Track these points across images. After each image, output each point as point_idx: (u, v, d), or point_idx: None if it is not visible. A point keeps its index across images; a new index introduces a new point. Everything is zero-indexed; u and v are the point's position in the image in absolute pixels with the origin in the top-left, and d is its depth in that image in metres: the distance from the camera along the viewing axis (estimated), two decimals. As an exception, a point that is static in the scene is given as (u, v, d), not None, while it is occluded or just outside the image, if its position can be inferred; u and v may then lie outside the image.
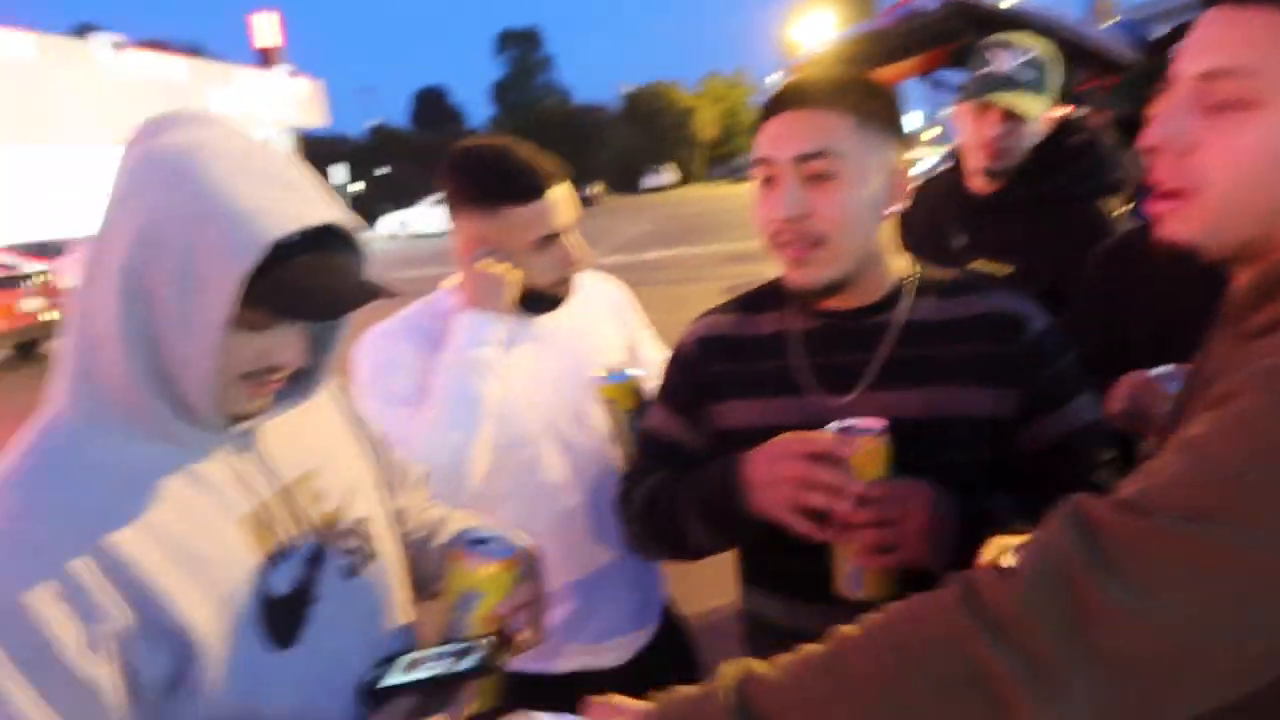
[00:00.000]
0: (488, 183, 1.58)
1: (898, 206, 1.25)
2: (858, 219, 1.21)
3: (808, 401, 1.27)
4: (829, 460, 1.10)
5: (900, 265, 1.31)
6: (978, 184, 2.18)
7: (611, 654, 1.74)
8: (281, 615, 0.98)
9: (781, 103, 1.23)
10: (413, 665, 1.05)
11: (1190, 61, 0.84)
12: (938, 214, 2.20)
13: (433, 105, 76.54)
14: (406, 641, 1.16)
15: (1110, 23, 3.27)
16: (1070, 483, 1.16)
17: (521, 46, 76.19)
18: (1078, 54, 2.79)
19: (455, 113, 77.83)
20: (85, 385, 0.93)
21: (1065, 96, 3.11)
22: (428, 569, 1.27)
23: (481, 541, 1.15)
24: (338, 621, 1.04)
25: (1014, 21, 2.62)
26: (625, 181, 60.87)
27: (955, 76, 3.40)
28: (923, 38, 2.53)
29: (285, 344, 0.96)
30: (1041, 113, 2.10)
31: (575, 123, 66.02)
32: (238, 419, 0.99)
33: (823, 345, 1.30)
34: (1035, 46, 2.09)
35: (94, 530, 0.87)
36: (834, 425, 1.13)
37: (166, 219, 0.88)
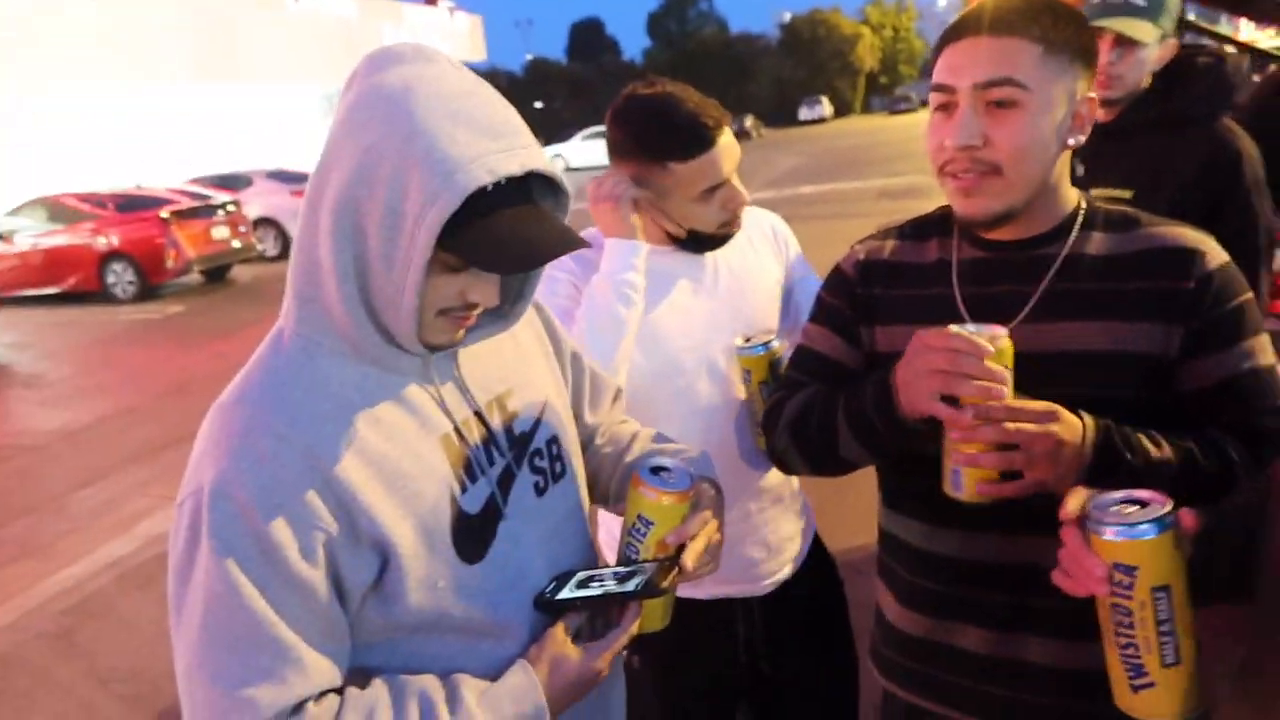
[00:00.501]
0: (651, 137, 1.59)
1: (1080, 137, 1.22)
2: (1037, 149, 1.18)
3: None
4: (969, 353, 1.07)
5: (1071, 196, 1.28)
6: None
7: (761, 582, 1.78)
8: (472, 533, 1.05)
9: (964, 28, 1.19)
10: (585, 582, 1.10)
11: None
12: None
13: (589, 37, 76.67)
14: (586, 558, 1.21)
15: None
16: (1233, 425, 1.20)
17: (677, -25, 75.01)
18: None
19: (611, 44, 77.76)
20: (306, 308, 1.01)
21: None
22: (616, 485, 1.32)
23: (661, 470, 1.18)
24: (524, 537, 1.10)
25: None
26: (781, 114, 59.48)
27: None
28: None
29: (481, 285, 1.00)
30: (1155, 38, 2.06)
31: (731, 53, 64.75)
32: (435, 348, 1.05)
33: (986, 275, 1.28)
34: None
35: (311, 447, 0.95)
36: (955, 327, 1.09)
37: (379, 158, 0.91)
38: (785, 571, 1.80)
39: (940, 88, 1.21)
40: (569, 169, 33.15)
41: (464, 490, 1.05)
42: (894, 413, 1.18)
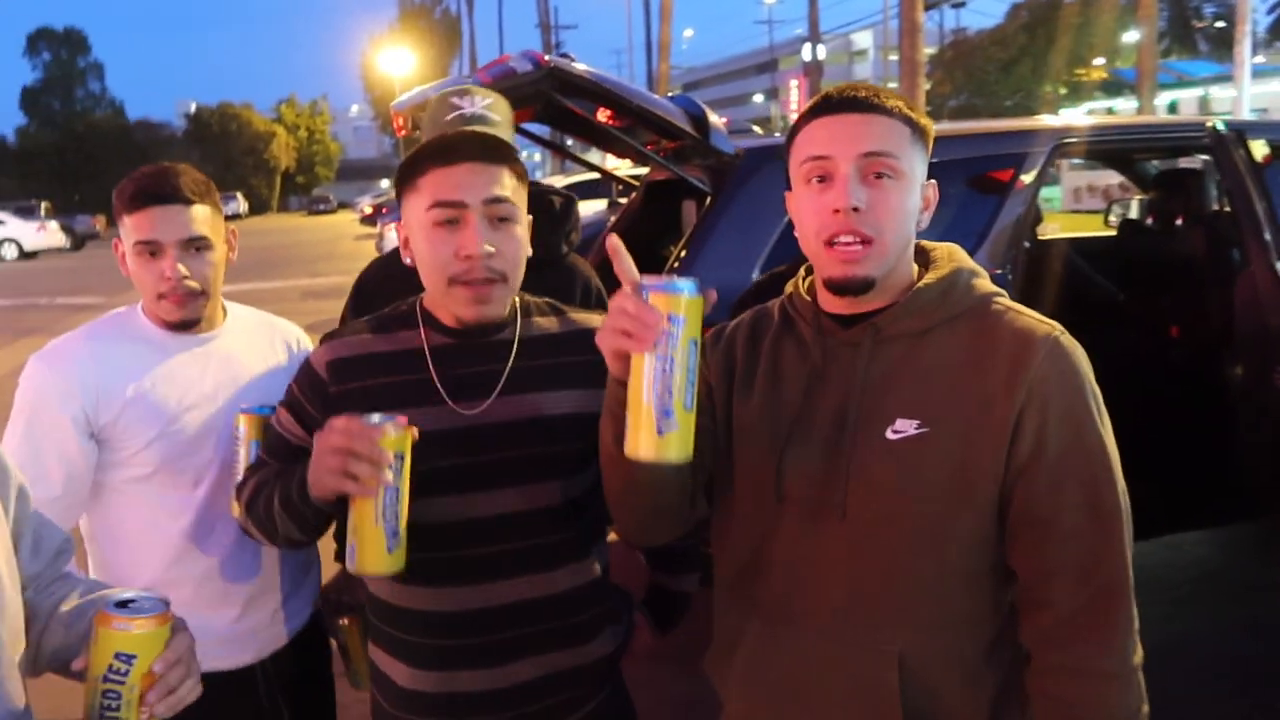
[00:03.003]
0: (120, 188, 1.72)
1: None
2: (523, 259, 1.46)
3: (444, 410, 1.44)
4: (360, 435, 1.26)
5: None
6: None
7: (246, 653, 1.82)
8: None
9: (461, 153, 1.40)
10: None
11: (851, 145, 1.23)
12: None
13: (-58, 107, 64.80)
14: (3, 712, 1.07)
15: (671, 94, 3.68)
16: None
17: (60, 49, 67.10)
18: (646, 120, 3.10)
19: (-26, 117, 66.63)
20: None
21: (635, 155, 3.42)
22: (56, 640, 1.19)
23: (129, 602, 1.10)
24: None
25: (597, 89, 2.84)
26: (190, 207, 55.76)
27: (534, 128, 3.66)
28: (515, 97, 2.69)
29: None
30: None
31: (131, 140, 59.42)
32: None
33: (457, 359, 1.47)
34: (491, 95, 2.04)
35: None
36: (375, 416, 1.30)
37: None
38: (276, 643, 1.86)
39: (447, 203, 1.39)
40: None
41: None
42: (308, 493, 1.35)
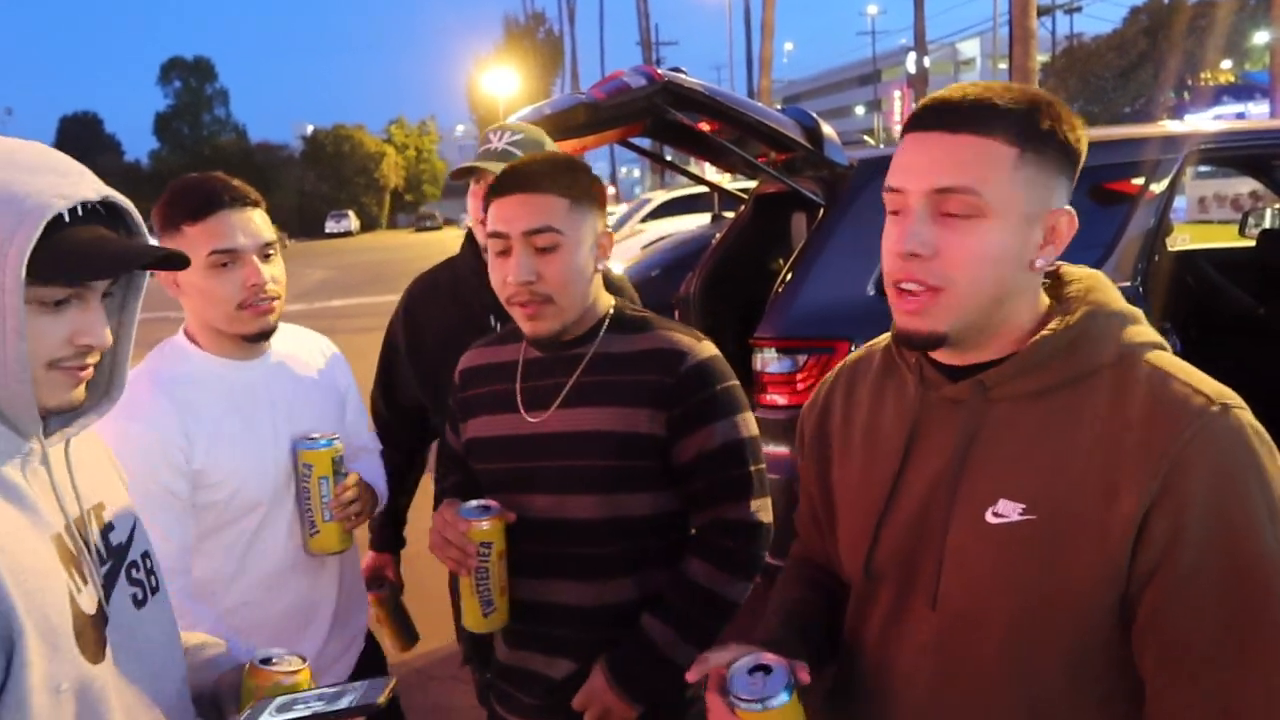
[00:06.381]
0: (168, 202, 1.65)
1: (603, 263, 1.56)
2: (575, 279, 1.50)
3: (516, 418, 1.56)
4: (452, 529, 1.49)
5: (603, 303, 1.59)
6: None
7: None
8: (90, 634, 1.00)
9: (507, 186, 1.48)
10: (287, 706, 1.08)
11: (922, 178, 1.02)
12: (471, 303, 2.16)
13: (82, 133, 68.95)
14: (183, 677, 1.18)
15: (781, 106, 3.65)
16: (706, 491, 1.54)
17: (190, 77, 70.71)
18: (757, 132, 3.07)
19: (111, 143, 70.75)
20: None
21: (746, 167, 3.39)
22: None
23: (270, 659, 1.19)
24: (126, 648, 1.05)
25: (711, 102, 2.83)
26: (307, 226, 58.31)
27: (642, 142, 3.65)
28: (629, 111, 2.71)
29: (87, 322, 0.99)
30: None
31: (252, 162, 62.21)
32: (54, 412, 1.02)
33: (539, 372, 1.57)
34: (524, 130, 2.10)
35: None
36: (473, 503, 1.51)
37: None
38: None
39: (496, 234, 1.48)
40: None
41: (79, 590, 1.00)
42: None
